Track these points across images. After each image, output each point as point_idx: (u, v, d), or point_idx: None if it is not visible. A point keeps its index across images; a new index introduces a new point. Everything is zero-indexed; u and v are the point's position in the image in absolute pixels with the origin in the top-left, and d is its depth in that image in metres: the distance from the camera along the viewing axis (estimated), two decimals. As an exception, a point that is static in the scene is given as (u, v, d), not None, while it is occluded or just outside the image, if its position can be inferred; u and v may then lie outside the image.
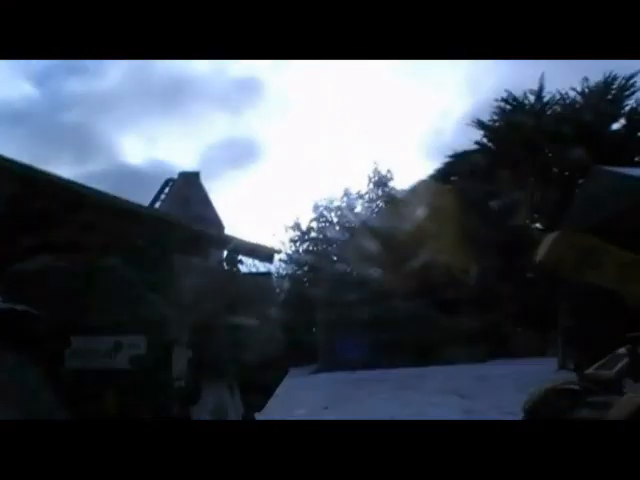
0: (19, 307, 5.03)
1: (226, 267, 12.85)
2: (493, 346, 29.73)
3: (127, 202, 12.08)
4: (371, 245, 34.83)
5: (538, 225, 37.09)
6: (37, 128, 49.93)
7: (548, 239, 8.67)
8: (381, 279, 32.64)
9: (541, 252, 8.58)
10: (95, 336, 7.40)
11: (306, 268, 44.29)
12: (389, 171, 42.43)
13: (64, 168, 50.55)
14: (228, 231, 24.66)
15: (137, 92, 46.71)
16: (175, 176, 31.44)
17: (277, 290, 11.55)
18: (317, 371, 35.75)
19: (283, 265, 44.27)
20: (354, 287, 34.16)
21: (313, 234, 44.52)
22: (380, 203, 38.45)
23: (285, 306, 40.18)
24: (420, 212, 29.52)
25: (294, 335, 36.84)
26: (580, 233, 8.64)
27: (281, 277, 43.62)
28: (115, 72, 53.73)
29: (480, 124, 40.66)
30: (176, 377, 7.40)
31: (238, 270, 12.60)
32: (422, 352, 31.66)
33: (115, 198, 11.87)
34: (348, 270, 38.32)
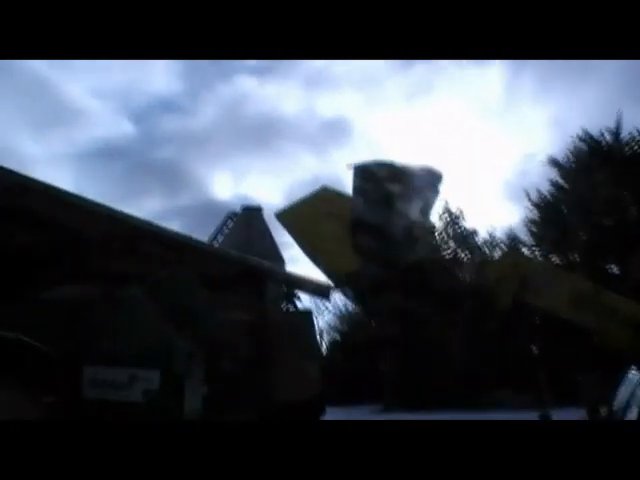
0: (25, 338, 5.00)
1: (278, 302, 12.75)
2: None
3: (168, 232, 12.25)
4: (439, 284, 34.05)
5: None
6: (133, 163, 52.64)
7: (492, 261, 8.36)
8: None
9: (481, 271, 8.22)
10: (112, 367, 7.38)
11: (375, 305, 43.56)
12: (460, 210, 41.33)
13: (155, 201, 53.06)
14: (291, 267, 24.60)
15: (228, 130, 48.13)
16: (238, 210, 31.84)
17: (316, 327, 11.38)
18: (383, 411, 34.98)
19: (349, 302, 43.76)
20: (420, 324, 33.45)
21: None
22: (451, 242, 37.53)
23: (346, 343, 39.76)
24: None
25: (356, 373, 36.40)
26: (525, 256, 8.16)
27: (345, 314, 43.14)
28: (209, 111, 55.83)
29: (555, 163, 39.43)
30: (188, 413, 7.27)
31: (280, 306, 12.48)
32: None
33: (157, 228, 12.06)
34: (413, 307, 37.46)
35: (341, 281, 7.53)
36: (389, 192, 7.15)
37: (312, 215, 7.36)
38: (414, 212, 7.48)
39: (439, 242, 39.66)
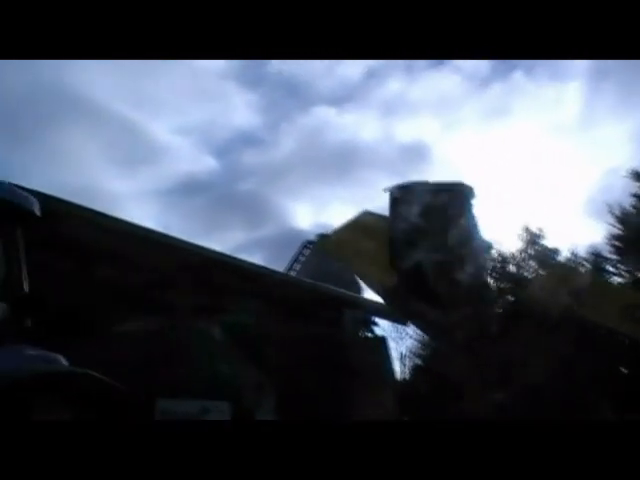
0: (93, 373, 5.04)
1: (355, 329, 12.63)
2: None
3: (241, 262, 12.36)
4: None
5: None
6: (215, 197, 54.43)
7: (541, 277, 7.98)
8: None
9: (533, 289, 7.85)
10: (183, 399, 7.45)
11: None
12: (540, 229, 40.00)
13: (238, 233, 54.66)
14: (369, 294, 24.43)
15: (308, 160, 49.09)
16: (314, 238, 31.91)
17: (390, 354, 11.14)
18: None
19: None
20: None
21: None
22: (532, 263, 36.32)
23: (427, 370, 38.97)
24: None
25: (438, 400, 35.58)
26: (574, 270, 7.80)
27: (426, 339, 42.35)
28: (288, 142, 57.12)
29: (638, 177, 37.62)
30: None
31: (357, 333, 12.34)
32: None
33: (229, 258, 12.20)
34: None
35: (385, 297, 7.40)
36: (421, 209, 7.02)
37: (353, 238, 7.31)
38: (449, 226, 7.29)
39: (519, 261, 38.45)
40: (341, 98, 58.50)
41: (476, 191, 7.37)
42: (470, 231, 7.43)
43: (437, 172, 52.71)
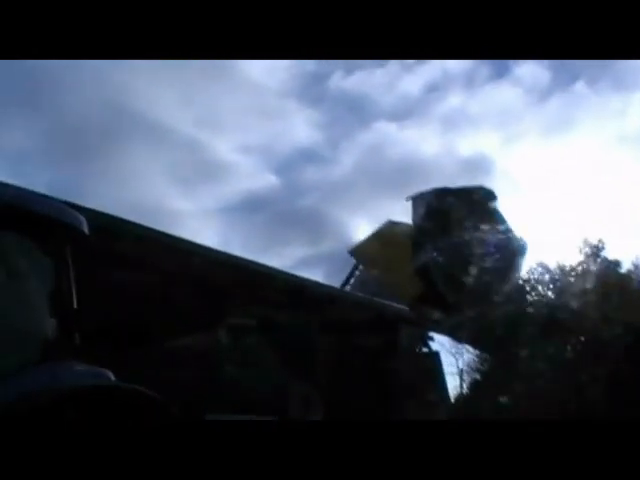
0: (141, 388, 5.09)
1: (411, 344, 12.52)
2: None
3: (292, 277, 12.39)
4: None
5: None
6: (276, 214, 55.28)
7: None
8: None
9: None
10: (232, 414, 7.47)
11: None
12: (600, 241, 39.11)
13: (298, 249, 55.63)
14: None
15: (368, 176, 49.50)
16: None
17: (443, 369, 10.97)
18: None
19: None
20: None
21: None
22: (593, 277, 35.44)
23: (486, 384, 38.26)
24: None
25: (497, 414, 34.88)
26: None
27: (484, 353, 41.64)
28: (348, 158, 57.59)
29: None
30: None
31: (413, 348, 12.22)
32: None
33: (280, 273, 12.23)
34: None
35: (410, 306, 7.29)
36: (442, 215, 6.93)
37: (378, 248, 7.25)
38: (469, 230, 7.16)
39: (578, 273, 37.58)
40: (401, 113, 58.75)
41: (496, 194, 7.20)
42: (494, 233, 7.29)
43: (499, 186, 52.31)
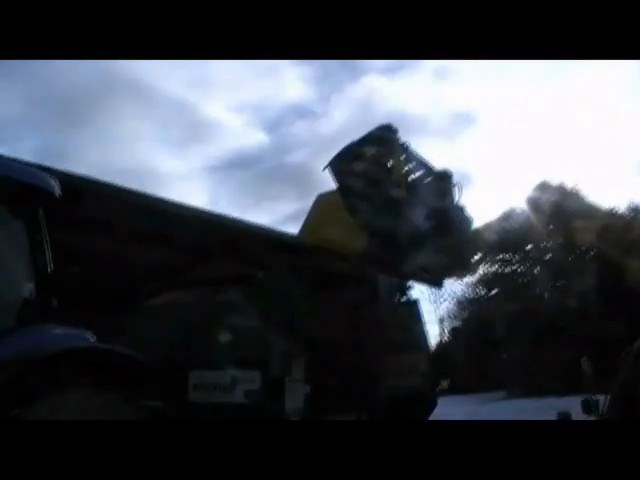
0: (121, 349, 5.12)
1: (390, 294, 12.62)
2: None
3: (272, 231, 12.37)
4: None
5: None
6: (265, 170, 54.98)
7: None
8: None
9: None
10: (214, 370, 7.57)
11: (494, 291, 42.33)
12: (577, 185, 39.43)
13: (288, 204, 55.47)
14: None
15: (358, 130, 49.05)
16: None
17: (423, 317, 11.09)
18: (506, 397, 34.09)
19: (468, 289, 42.78)
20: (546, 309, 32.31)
21: (501, 255, 42.40)
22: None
23: (466, 331, 38.94)
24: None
25: (477, 361, 35.61)
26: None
27: (466, 301, 42.28)
28: (339, 113, 56.96)
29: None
30: (290, 412, 7.32)
31: (392, 299, 12.32)
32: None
33: (259, 228, 12.21)
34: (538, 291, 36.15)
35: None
36: (361, 168, 6.93)
37: (320, 224, 7.25)
38: (391, 174, 7.18)
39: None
40: (392, 66, 58.07)
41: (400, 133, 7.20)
42: (416, 169, 7.32)
43: (485, 138, 52.56)
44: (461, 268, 7.52)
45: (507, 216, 6.84)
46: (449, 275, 7.74)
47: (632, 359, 6.95)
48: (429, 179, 7.29)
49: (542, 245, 37.56)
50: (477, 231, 7.34)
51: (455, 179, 7.27)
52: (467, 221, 7.36)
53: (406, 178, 7.21)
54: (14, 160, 6.00)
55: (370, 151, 6.88)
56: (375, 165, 6.95)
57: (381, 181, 6.95)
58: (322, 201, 7.27)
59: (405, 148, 7.15)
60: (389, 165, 7.08)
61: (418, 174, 7.31)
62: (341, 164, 6.90)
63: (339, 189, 7.00)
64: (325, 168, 6.93)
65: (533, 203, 6.94)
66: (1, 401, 3.94)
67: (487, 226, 7.30)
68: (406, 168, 7.21)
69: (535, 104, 53.17)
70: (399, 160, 7.10)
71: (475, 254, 7.37)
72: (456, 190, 7.34)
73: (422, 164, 7.34)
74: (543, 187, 6.93)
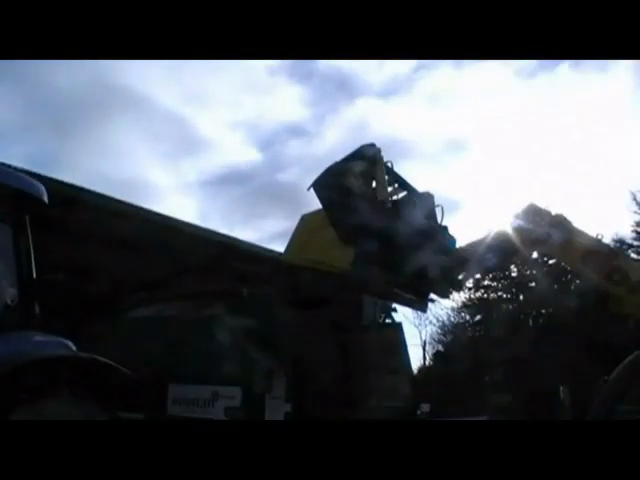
0: (101, 359, 5.07)
1: (373, 315, 12.61)
2: None
3: (256, 248, 12.37)
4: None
5: None
6: (256, 188, 54.91)
7: None
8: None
9: None
10: (195, 385, 7.51)
11: (478, 317, 42.37)
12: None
13: (276, 222, 55.44)
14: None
15: (352, 150, 49.39)
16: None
17: (405, 340, 11.02)
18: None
19: (453, 313, 42.78)
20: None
21: (487, 281, 42.56)
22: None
23: (449, 355, 38.87)
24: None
25: (459, 385, 35.54)
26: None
27: (452, 325, 42.25)
28: (333, 134, 57.24)
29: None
30: (269, 430, 7.25)
31: (375, 319, 12.32)
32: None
33: (244, 244, 12.22)
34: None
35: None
36: (343, 187, 6.99)
37: (306, 244, 7.29)
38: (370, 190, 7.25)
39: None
40: (388, 90, 58.37)
41: (379, 148, 7.31)
42: (399, 188, 7.39)
43: (477, 162, 53.15)
44: (446, 287, 7.52)
45: (492, 237, 6.88)
46: (435, 292, 7.73)
47: (604, 392, 7.05)
48: (412, 199, 7.34)
49: (527, 271, 37.80)
50: (462, 250, 7.37)
51: (437, 201, 7.31)
52: (451, 240, 7.41)
53: (390, 196, 7.24)
54: (2, 164, 5.97)
55: (354, 169, 6.92)
56: (359, 183, 6.99)
57: (366, 198, 6.98)
58: (306, 220, 7.27)
59: (389, 167, 7.20)
60: (373, 184, 7.12)
61: (401, 194, 7.36)
62: (325, 182, 6.93)
63: (324, 207, 7.02)
64: (310, 188, 6.95)
65: (518, 226, 7.02)
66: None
67: (471, 245, 7.33)
68: (390, 188, 7.24)
69: (526, 126, 53.66)
70: (383, 179, 7.14)
71: (460, 273, 7.37)
72: (439, 211, 7.40)
73: (405, 184, 7.40)
74: (529, 211, 7.02)
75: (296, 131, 61.08)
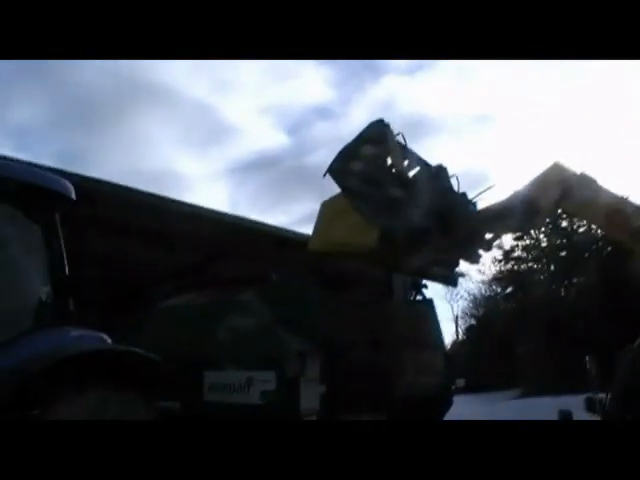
0: (138, 350, 5.14)
1: (404, 293, 12.59)
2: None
3: (287, 232, 12.41)
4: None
5: None
6: (285, 171, 55.32)
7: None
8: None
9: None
10: (229, 370, 7.59)
11: (509, 289, 42.12)
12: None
13: (306, 205, 56.14)
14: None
15: None
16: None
17: (437, 316, 11.03)
18: (521, 396, 33.93)
19: (484, 287, 42.60)
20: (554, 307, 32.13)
21: (517, 253, 42.19)
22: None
23: (482, 329, 38.77)
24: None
25: (492, 359, 35.49)
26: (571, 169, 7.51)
27: (483, 298, 42.10)
28: (359, 115, 57.15)
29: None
30: (305, 412, 7.32)
31: (406, 296, 12.30)
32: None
33: (274, 229, 12.26)
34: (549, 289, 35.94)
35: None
36: (358, 167, 6.92)
37: (328, 231, 7.25)
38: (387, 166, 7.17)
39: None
40: (413, 67, 57.84)
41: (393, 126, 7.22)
42: (413, 163, 7.32)
43: (509, 142, 52.56)
44: (474, 249, 7.50)
45: (516, 194, 6.78)
46: (465, 257, 7.70)
47: (631, 358, 6.97)
48: (426, 171, 7.32)
49: (556, 241, 37.38)
50: (485, 210, 7.36)
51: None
52: (472, 205, 7.39)
53: (407, 172, 7.21)
54: (30, 164, 6.06)
55: (367, 148, 6.89)
56: (373, 160, 6.95)
57: (383, 174, 6.95)
58: (327, 206, 7.26)
59: (401, 143, 7.16)
60: (388, 161, 7.08)
61: (416, 168, 7.32)
62: (340, 167, 6.90)
63: (342, 190, 7.00)
64: (325, 174, 6.93)
65: (543, 182, 6.88)
66: (21, 401, 3.99)
67: (495, 205, 7.30)
68: (405, 163, 7.20)
69: (549, 101, 52.91)
70: (397, 151, 7.10)
71: (486, 233, 7.36)
72: (455, 180, 7.37)
73: (417, 158, 7.37)
74: (554, 168, 6.88)
75: (323, 113, 61.03)
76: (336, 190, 7.18)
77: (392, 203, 6.77)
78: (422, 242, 6.94)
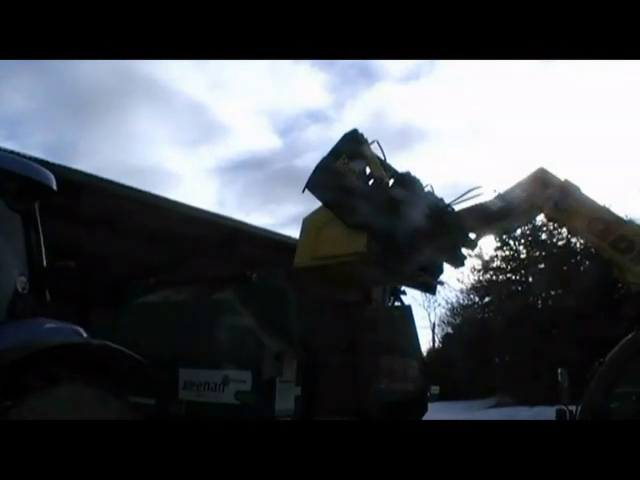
0: (112, 345, 5.09)
1: (383, 298, 12.58)
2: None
3: (266, 232, 12.40)
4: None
5: None
6: (274, 173, 55.32)
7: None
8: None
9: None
10: (205, 369, 7.55)
11: (487, 299, 42.38)
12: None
13: (292, 207, 56.21)
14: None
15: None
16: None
17: (415, 322, 11.02)
18: (496, 405, 34.12)
19: (462, 295, 42.80)
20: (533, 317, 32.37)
21: (496, 263, 42.45)
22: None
23: (458, 337, 38.96)
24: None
25: (468, 367, 35.65)
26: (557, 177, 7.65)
27: (461, 307, 42.31)
28: (352, 120, 57.33)
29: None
30: (280, 414, 7.29)
31: (385, 302, 12.30)
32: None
33: (254, 228, 12.25)
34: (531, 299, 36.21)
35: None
36: (337, 178, 6.97)
37: (313, 246, 7.29)
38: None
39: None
40: (408, 75, 57.95)
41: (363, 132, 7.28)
42: (387, 169, 7.39)
43: (501, 151, 52.69)
44: (459, 251, 7.56)
45: (498, 196, 6.84)
46: (450, 261, 7.75)
47: (602, 372, 7.07)
48: (398, 177, 7.38)
49: (535, 253, 37.64)
50: (468, 209, 7.43)
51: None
52: (451, 208, 7.46)
53: (386, 179, 7.27)
54: (12, 153, 5.99)
55: (343, 158, 6.92)
56: (351, 169, 6.99)
57: (362, 181, 6.98)
58: (309, 221, 7.28)
59: (376, 153, 7.23)
60: (367, 170, 7.12)
61: (390, 174, 7.39)
62: (318, 181, 6.93)
63: (324, 204, 7.03)
64: (304, 189, 6.95)
65: (525, 187, 6.93)
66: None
67: (478, 205, 7.37)
68: (380, 171, 7.25)
69: (544, 109, 53.24)
70: (374, 158, 7.16)
71: (470, 232, 7.44)
72: (429, 186, 7.45)
73: (389, 165, 7.44)
74: (538, 174, 6.95)
75: (316, 116, 61.11)
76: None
77: (376, 209, 6.80)
78: (410, 245, 6.99)
